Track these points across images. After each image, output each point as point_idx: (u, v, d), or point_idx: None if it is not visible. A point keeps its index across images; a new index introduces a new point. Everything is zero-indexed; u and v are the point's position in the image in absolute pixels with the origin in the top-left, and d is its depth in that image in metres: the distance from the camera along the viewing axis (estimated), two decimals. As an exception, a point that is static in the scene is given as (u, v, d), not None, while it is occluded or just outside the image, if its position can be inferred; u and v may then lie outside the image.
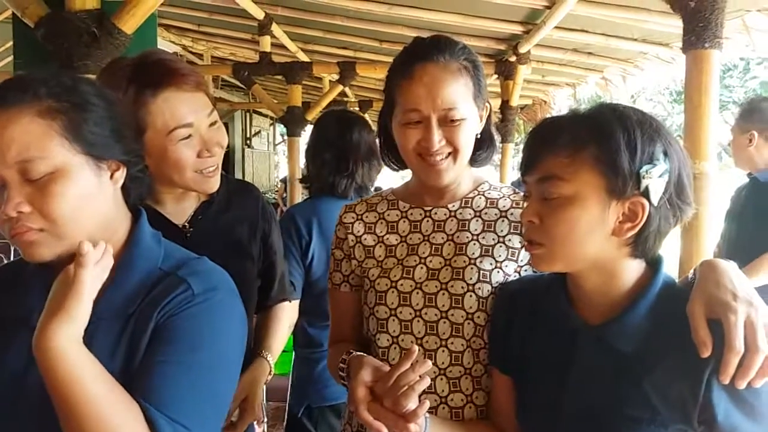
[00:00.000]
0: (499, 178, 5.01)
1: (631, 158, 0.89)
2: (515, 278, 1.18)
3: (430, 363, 0.97)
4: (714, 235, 2.44)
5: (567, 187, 0.92)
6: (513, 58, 4.60)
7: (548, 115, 1.03)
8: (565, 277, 1.03)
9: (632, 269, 0.97)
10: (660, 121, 0.95)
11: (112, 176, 0.92)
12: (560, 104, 6.30)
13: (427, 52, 1.14)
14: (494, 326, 1.14)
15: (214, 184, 1.23)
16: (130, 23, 1.86)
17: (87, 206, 0.87)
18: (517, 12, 3.90)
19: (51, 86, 0.86)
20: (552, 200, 0.94)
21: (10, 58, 6.39)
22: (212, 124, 1.21)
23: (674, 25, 2.08)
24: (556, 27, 3.76)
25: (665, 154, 0.91)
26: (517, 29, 4.19)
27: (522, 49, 4.39)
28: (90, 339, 0.87)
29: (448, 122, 1.12)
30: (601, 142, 0.91)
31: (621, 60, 4.55)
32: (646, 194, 0.90)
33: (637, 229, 0.92)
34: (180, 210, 1.29)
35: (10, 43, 3.72)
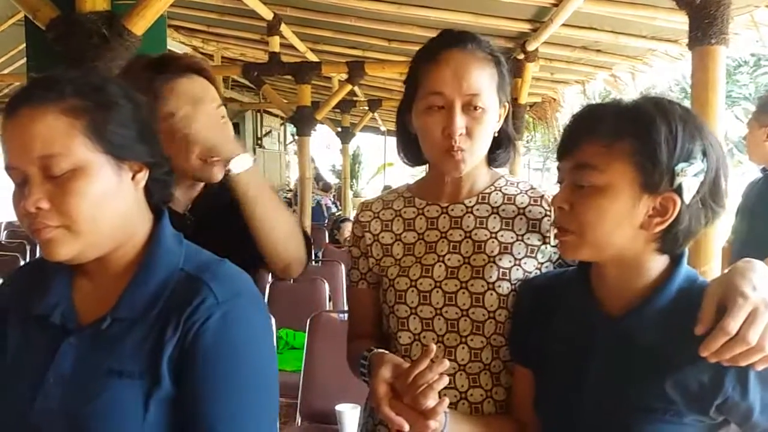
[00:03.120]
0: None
1: (669, 154, 0.88)
2: (537, 273, 1.17)
3: (447, 363, 0.97)
4: (722, 230, 2.42)
5: (600, 177, 0.92)
6: (521, 56, 4.59)
7: (595, 103, 1.02)
8: (589, 271, 1.03)
9: (657, 264, 0.96)
10: (701, 119, 0.94)
11: (134, 177, 0.92)
12: (570, 101, 6.29)
13: (454, 39, 1.14)
14: (516, 320, 1.14)
15: (218, 174, 1.24)
16: (139, 25, 1.88)
17: (106, 205, 0.87)
18: (524, 10, 3.90)
19: (77, 85, 0.87)
20: (584, 188, 0.94)
21: (23, 61, 6.46)
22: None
23: (682, 21, 2.08)
24: (563, 24, 3.76)
25: (704, 153, 0.90)
26: (525, 27, 4.19)
27: (530, 47, 4.39)
28: (113, 340, 0.88)
29: (471, 110, 1.11)
30: (640, 136, 0.90)
31: (630, 57, 4.53)
32: (678, 191, 0.89)
33: (666, 224, 0.91)
34: (186, 199, 1.31)
35: (23, 46, 3.77)
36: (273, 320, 2.74)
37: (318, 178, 10.09)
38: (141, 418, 0.86)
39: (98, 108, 0.87)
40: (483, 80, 1.12)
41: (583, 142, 0.94)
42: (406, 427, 0.95)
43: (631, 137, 0.90)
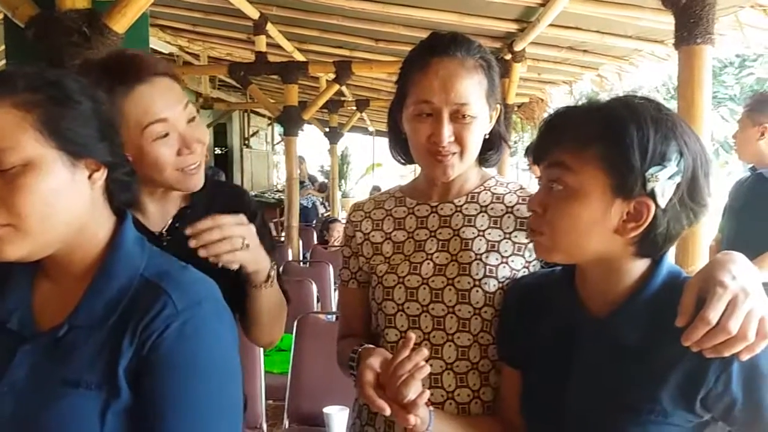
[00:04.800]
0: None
1: (641, 158, 0.87)
2: (526, 273, 1.18)
3: (426, 351, 0.98)
4: (709, 229, 2.42)
5: (572, 178, 0.91)
6: (508, 57, 4.60)
7: (568, 105, 1.01)
8: (573, 272, 1.02)
9: (638, 266, 0.95)
10: (677, 117, 0.92)
11: (90, 176, 0.88)
12: (557, 102, 6.32)
13: (444, 46, 1.14)
14: (504, 320, 1.14)
15: (198, 182, 1.19)
16: (121, 23, 1.85)
17: (57, 204, 0.84)
18: (511, 10, 3.90)
19: (31, 79, 0.84)
20: (557, 191, 0.93)
21: (3, 63, 6.39)
22: (190, 120, 1.18)
23: (668, 22, 2.09)
24: (550, 25, 3.76)
25: (680, 153, 0.88)
26: (512, 27, 4.20)
27: (517, 47, 4.39)
28: (70, 348, 0.85)
29: (459, 118, 1.12)
30: (609, 140, 0.88)
31: (616, 57, 4.55)
32: (652, 195, 0.88)
33: (641, 229, 0.90)
34: (160, 215, 1.24)
35: (2, 47, 3.73)
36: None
37: (312, 179, 10.06)
38: (98, 429, 0.83)
39: (52, 102, 0.84)
40: (472, 89, 1.13)
41: (554, 146, 0.94)
42: (387, 410, 0.96)
43: (601, 141, 0.89)
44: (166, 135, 1.13)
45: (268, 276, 1.13)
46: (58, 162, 0.84)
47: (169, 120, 1.13)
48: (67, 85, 0.87)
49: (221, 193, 1.32)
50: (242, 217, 1.03)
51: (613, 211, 0.90)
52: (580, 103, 0.99)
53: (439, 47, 1.14)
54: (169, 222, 1.25)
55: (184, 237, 1.10)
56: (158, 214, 1.24)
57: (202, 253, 0.90)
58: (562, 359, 1.00)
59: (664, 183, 0.87)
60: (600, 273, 0.97)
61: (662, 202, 0.88)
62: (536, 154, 0.98)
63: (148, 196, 1.22)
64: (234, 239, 0.98)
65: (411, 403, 0.94)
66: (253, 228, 1.04)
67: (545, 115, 6.55)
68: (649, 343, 0.92)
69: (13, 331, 0.88)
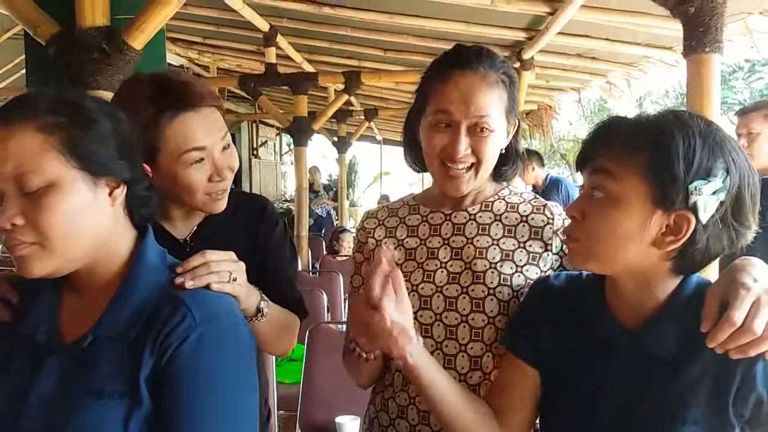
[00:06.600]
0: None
1: (685, 169, 0.85)
2: (553, 273, 1.15)
3: (392, 246, 0.97)
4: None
5: (615, 185, 0.90)
6: (517, 64, 4.60)
7: (618, 115, 0.99)
8: (604, 280, 1.01)
9: (671, 284, 0.94)
10: (726, 134, 0.90)
11: (111, 193, 0.91)
12: (566, 109, 6.33)
13: (467, 60, 1.14)
14: (525, 315, 1.11)
15: (221, 206, 1.24)
16: (139, 39, 1.89)
17: (80, 222, 0.87)
18: (520, 19, 3.92)
19: (52, 102, 0.88)
20: (597, 198, 0.92)
21: (22, 72, 6.47)
22: (225, 147, 1.22)
23: (677, 29, 2.09)
24: (559, 33, 3.78)
25: (726, 170, 0.86)
26: (520, 36, 4.21)
27: (526, 56, 4.41)
28: (95, 359, 0.88)
29: (477, 131, 1.13)
30: (656, 151, 0.87)
31: (625, 64, 4.56)
32: (694, 210, 0.86)
33: (679, 243, 0.89)
34: (186, 225, 1.30)
35: (21, 58, 3.78)
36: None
37: (327, 188, 10.06)
38: None
39: (73, 124, 0.87)
40: (492, 103, 1.13)
41: (601, 152, 0.93)
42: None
43: (647, 150, 0.88)
44: (201, 160, 1.18)
45: (259, 310, 1.13)
46: (80, 182, 0.87)
47: (206, 148, 1.18)
48: (87, 106, 0.91)
49: (244, 203, 1.36)
50: (231, 254, 1.05)
51: (652, 223, 0.89)
52: (629, 115, 0.98)
53: (462, 60, 1.14)
54: (194, 230, 1.30)
55: (208, 243, 1.13)
56: (183, 222, 1.29)
57: (188, 284, 0.93)
58: (593, 369, 0.99)
59: (707, 198, 0.86)
60: (633, 286, 0.96)
61: (704, 217, 0.87)
62: (580, 160, 0.97)
63: (177, 210, 1.27)
64: (221, 273, 0.99)
65: (380, 304, 0.92)
66: (242, 265, 1.05)
67: (554, 122, 6.57)
68: (682, 354, 0.91)
69: (41, 344, 0.91)
